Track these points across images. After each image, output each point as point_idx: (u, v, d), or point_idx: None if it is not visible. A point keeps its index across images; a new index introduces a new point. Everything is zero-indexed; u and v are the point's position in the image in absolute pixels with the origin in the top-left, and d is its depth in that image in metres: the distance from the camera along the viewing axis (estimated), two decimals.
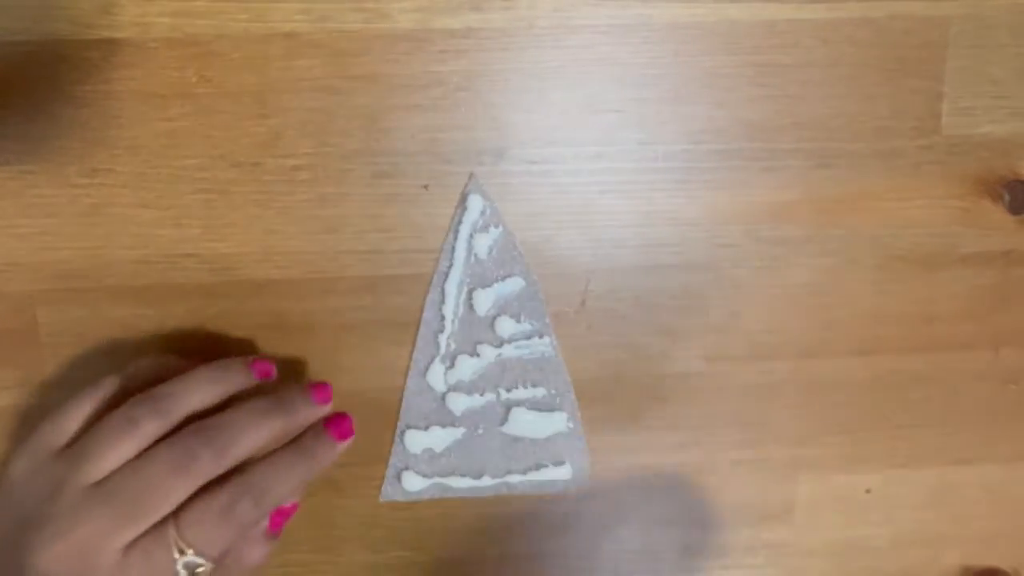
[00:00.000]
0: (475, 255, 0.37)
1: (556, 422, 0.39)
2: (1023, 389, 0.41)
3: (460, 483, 0.39)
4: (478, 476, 0.39)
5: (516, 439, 0.39)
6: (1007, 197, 0.38)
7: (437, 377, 0.38)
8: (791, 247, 0.38)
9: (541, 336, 0.38)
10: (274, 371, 0.34)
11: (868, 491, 0.41)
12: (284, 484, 0.31)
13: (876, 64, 0.37)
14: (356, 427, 0.34)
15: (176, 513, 0.29)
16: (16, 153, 0.34)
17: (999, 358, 0.40)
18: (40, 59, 0.34)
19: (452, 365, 0.38)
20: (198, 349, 0.37)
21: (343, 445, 0.33)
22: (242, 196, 0.36)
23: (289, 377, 0.37)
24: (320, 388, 0.33)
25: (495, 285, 0.37)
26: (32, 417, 0.37)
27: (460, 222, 0.37)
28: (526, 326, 0.38)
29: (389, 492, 0.39)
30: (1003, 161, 0.38)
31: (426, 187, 0.36)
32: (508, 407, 0.38)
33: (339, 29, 0.34)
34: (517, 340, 0.38)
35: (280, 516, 0.34)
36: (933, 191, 0.38)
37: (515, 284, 0.37)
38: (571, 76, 0.36)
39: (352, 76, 0.35)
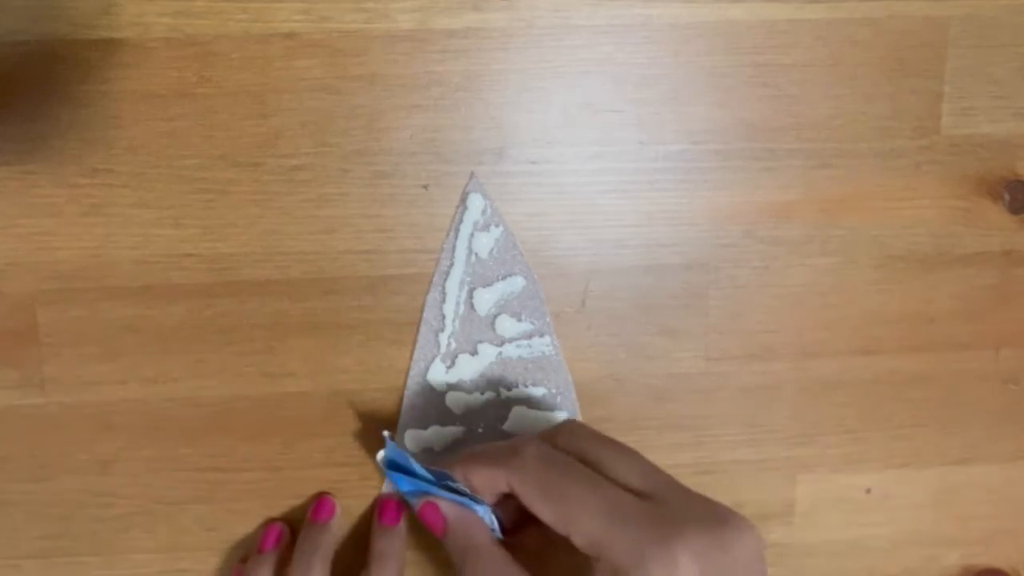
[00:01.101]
0: (476, 254, 0.37)
1: (557, 421, 0.38)
2: (1023, 389, 0.41)
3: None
4: None
5: None
6: (1007, 197, 0.38)
7: (437, 376, 0.38)
8: (791, 247, 0.38)
9: (542, 335, 0.38)
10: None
11: (868, 491, 0.41)
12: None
13: (876, 64, 0.37)
14: (356, 427, 0.37)
15: None
16: (16, 153, 0.34)
17: (999, 358, 0.40)
18: (40, 59, 0.34)
19: (453, 364, 0.38)
20: (198, 349, 0.37)
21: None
22: (242, 196, 0.36)
23: (289, 377, 0.37)
24: (320, 508, 0.37)
25: (496, 284, 0.37)
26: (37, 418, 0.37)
27: (461, 221, 0.37)
28: (527, 325, 0.38)
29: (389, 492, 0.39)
30: (1003, 161, 0.38)
31: (426, 187, 0.36)
32: (509, 406, 0.38)
33: (339, 29, 0.34)
34: (518, 339, 0.38)
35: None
36: (933, 191, 0.38)
37: (516, 283, 0.37)
38: (571, 76, 0.36)
39: (352, 76, 0.35)
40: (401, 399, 0.38)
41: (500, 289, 0.37)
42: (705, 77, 0.36)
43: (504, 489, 0.31)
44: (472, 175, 0.36)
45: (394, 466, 0.34)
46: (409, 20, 0.35)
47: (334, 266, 0.36)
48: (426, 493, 0.33)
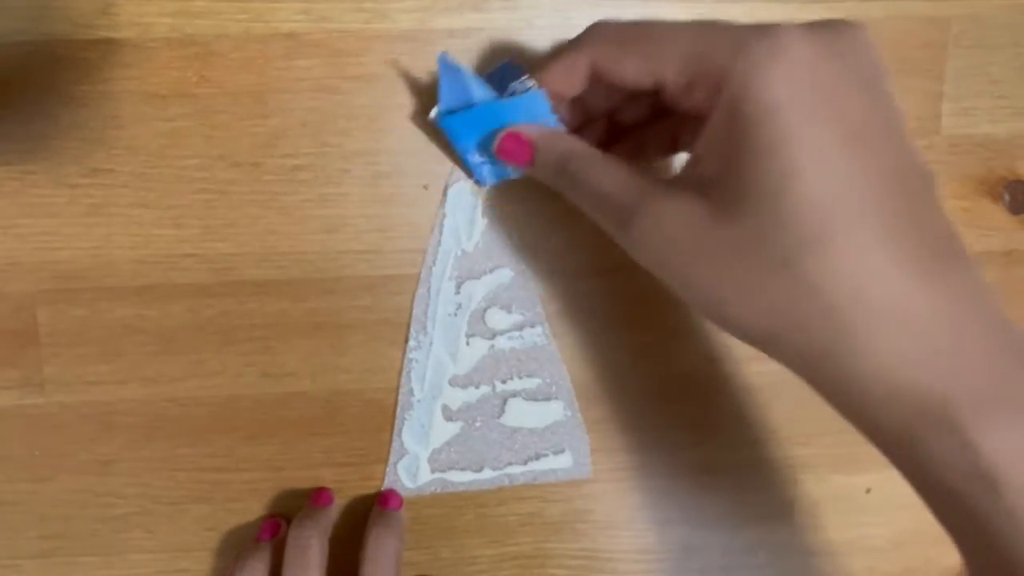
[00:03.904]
0: (462, 248, 0.37)
1: (553, 411, 0.38)
2: None
3: (461, 477, 0.39)
4: (479, 469, 0.39)
5: (515, 430, 0.38)
6: (1007, 197, 0.38)
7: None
8: None
9: (533, 326, 0.38)
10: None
11: (868, 491, 0.41)
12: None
13: None
14: (356, 427, 0.37)
15: None
16: (16, 153, 0.34)
17: None
18: (40, 59, 0.34)
19: None
20: (198, 349, 0.37)
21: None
22: (242, 196, 0.36)
23: (289, 377, 0.37)
24: (319, 495, 0.38)
25: (484, 277, 0.37)
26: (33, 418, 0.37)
27: (445, 215, 0.36)
28: (517, 316, 0.38)
29: None
30: (1003, 161, 0.38)
31: (426, 187, 0.36)
32: (504, 399, 0.38)
33: (339, 29, 0.34)
34: (509, 331, 0.38)
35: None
36: None
37: (504, 275, 0.37)
38: None
39: (352, 76, 0.35)
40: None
41: (489, 282, 0.37)
42: None
43: (584, 74, 0.29)
44: (452, 169, 0.36)
45: (448, 115, 0.32)
46: (409, 20, 0.35)
47: (334, 266, 0.36)
48: (491, 132, 0.31)
